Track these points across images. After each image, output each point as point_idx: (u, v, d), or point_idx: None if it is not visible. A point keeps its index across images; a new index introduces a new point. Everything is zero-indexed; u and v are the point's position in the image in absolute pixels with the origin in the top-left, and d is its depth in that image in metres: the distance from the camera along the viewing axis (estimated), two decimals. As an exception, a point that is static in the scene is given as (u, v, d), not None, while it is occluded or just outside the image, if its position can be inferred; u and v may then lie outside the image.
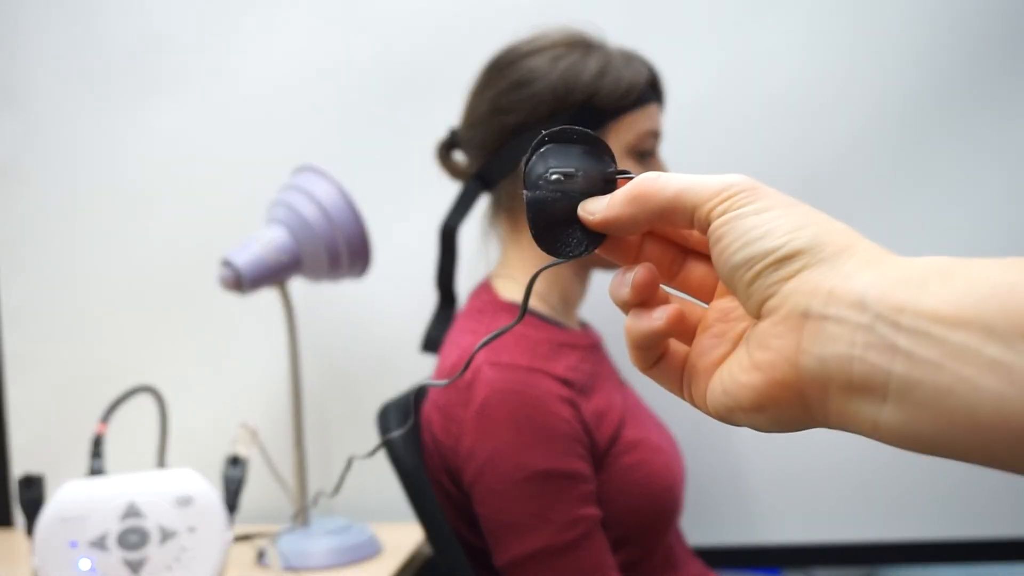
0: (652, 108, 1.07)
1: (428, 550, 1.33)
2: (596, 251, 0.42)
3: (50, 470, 1.12)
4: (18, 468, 1.49)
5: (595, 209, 0.41)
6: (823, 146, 1.40)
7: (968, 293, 0.31)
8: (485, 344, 0.45)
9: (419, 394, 1.09)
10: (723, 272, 0.38)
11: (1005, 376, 0.30)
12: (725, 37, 1.40)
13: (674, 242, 0.43)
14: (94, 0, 1.47)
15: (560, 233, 0.41)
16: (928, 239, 1.40)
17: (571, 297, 1.11)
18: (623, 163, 1.05)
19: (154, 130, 1.47)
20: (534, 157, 0.41)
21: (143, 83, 1.46)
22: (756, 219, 0.36)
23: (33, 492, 0.96)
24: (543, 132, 0.41)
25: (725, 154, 1.40)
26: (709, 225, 0.38)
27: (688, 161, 1.32)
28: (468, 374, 0.98)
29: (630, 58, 1.08)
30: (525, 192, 0.41)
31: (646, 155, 1.07)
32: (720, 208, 0.37)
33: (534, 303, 1.07)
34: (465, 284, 1.18)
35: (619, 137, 1.05)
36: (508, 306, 1.06)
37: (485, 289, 1.10)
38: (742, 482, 1.44)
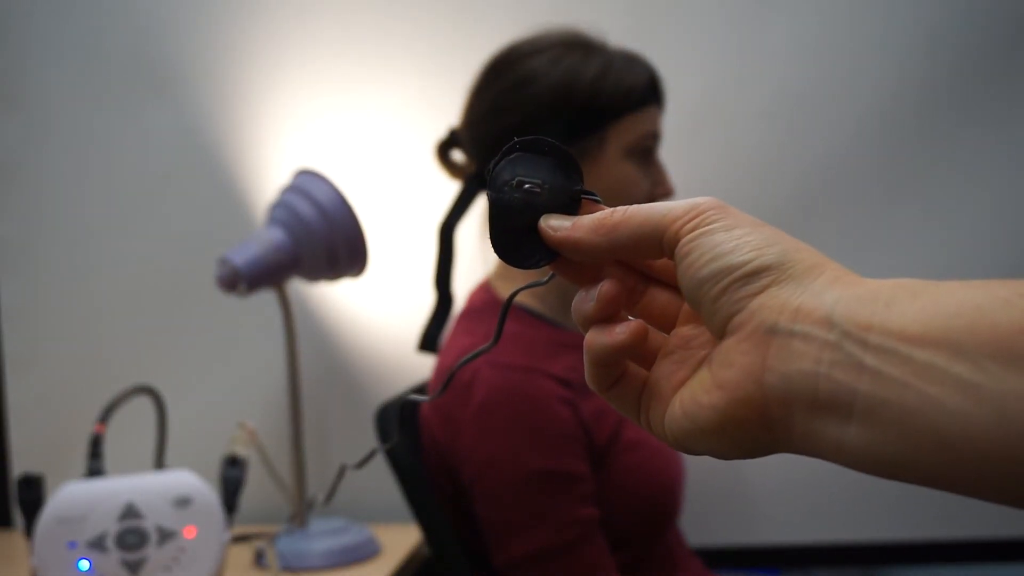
0: (652, 110, 1.07)
1: (426, 551, 1.33)
2: (557, 270, 0.42)
3: (49, 470, 1.11)
4: (18, 468, 1.49)
5: (558, 226, 0.40)
6: (823, 148, 1.39)
7: (936, 312, 0.31)
8: (465, 363, 0.45)
9: (405, 407, 1.09)
10: (689, 287, 0.37)
11: (971, 396, 0.29)
12: (726, 39, 1.40)
13: (636, 269, 0.42)
14: (94, 1, 1.47)
15: (516, 241, 0.41)
16: (929, 241, 1.39)
17: (570, 297, 1.11)
18: (622, 165, 1.05)
19: (154, 130, 1.46)
20: (503, 162, 0.41)
21: (143, 83, 1.46)
22: (725, 235, 0.36)
23: (32, 492, 0.96)
24: (515, 139, 0.41)
25: (725, 156, 1.39)
26: (678, 243, 0.37)
27: (688, 163, 1.31)
28: (467, 374, 0.98)
29: (631, 60, 1.07)
30: (488, 192, 0.41)
31: (646, 157, 1.07)
32: (689, 225, 0.37)
33: (532, 303, 1.07)
34: (463, 284, 1.18)
35: (619, 139, 1.04)
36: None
37: (484, 289, 1.10)
38: (742, 482, 1.44)
